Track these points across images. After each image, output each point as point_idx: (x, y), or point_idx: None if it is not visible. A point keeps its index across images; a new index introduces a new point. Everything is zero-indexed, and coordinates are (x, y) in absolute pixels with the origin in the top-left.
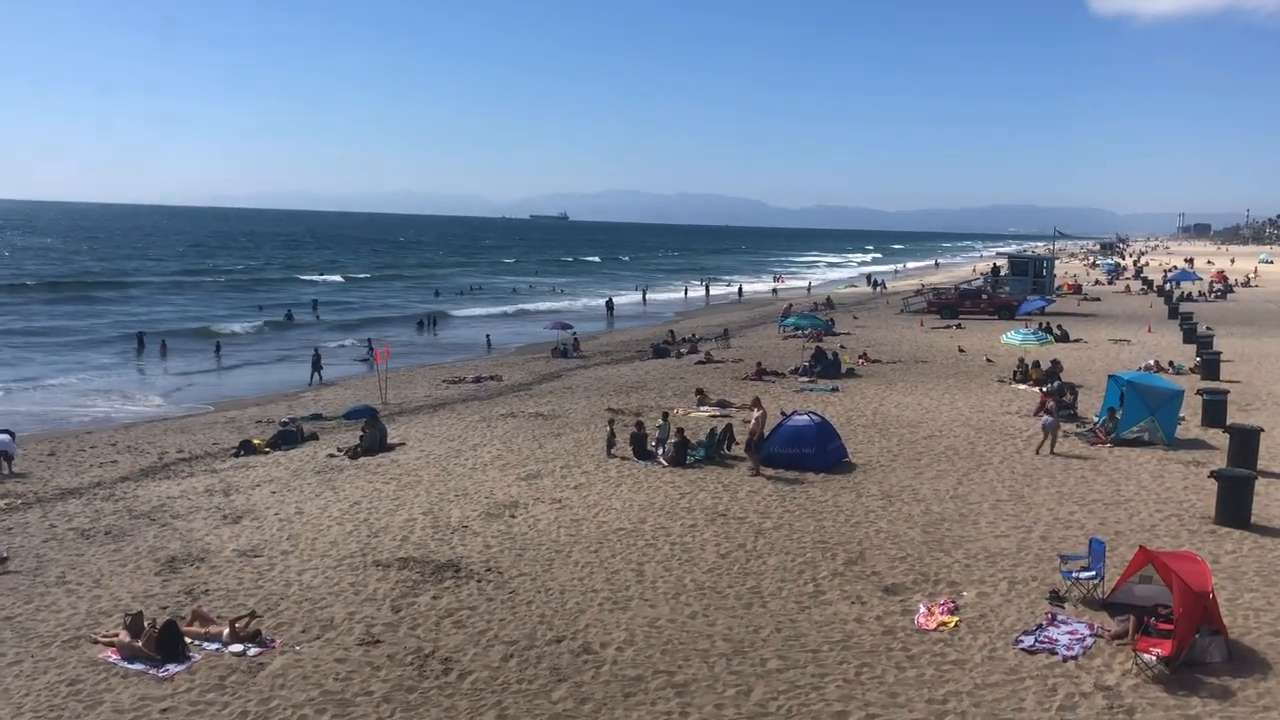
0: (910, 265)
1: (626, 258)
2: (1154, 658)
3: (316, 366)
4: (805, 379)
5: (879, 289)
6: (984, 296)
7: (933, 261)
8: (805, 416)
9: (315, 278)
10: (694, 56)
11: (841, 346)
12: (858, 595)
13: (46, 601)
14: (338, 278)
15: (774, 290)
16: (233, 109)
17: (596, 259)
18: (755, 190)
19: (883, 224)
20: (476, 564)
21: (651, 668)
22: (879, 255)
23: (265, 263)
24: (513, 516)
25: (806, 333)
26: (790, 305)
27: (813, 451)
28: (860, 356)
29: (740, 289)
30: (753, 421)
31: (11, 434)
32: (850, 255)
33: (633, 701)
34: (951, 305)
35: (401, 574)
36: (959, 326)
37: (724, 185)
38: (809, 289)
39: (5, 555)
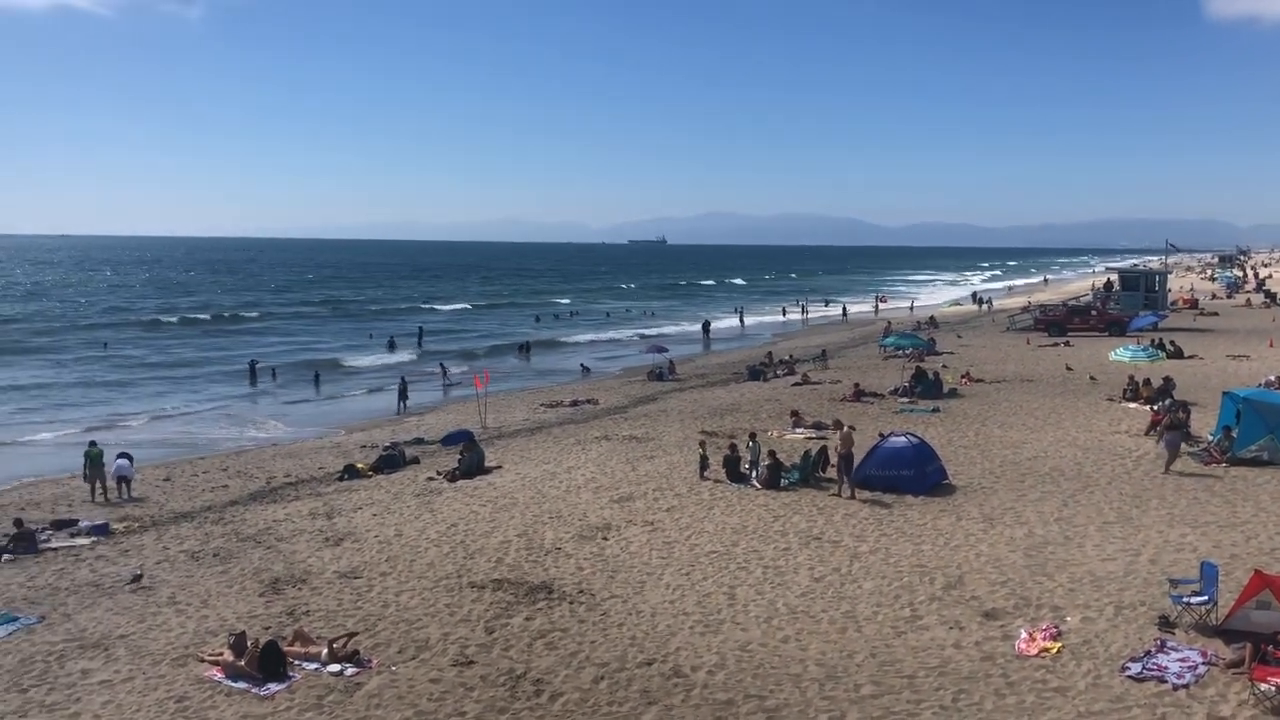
0: (1019, 282)
1: (740, 280)
2: (1273, 688)
3: (403, 395)
4: (905, 400)
5: (985, 306)
6: (1093, 313)
7: (1042, 278)
8: (902, 438)
9: (441, 306)
10: (786, 76)
11: (944, 366)
12: (956, 620)
13: (158, 621)
14: (465, 305)
15: (876, 309)
16: (348, 144)
17: (711, 282)
18: (854, 209)
19: (988, 240)
20: (569, 586)
21: (742, 692)
22: (997, 273)
23: (386, 292)
24: (605, 539)
25: (907, 352)
26: (889, 324)
27: (910, 474)
28: (963, 376)
29: (844, 309)
30: (839, 444)
31: (130, 458)
32: (966, 274)
33: None
34: (1059, 322)
35: (496, 595)
36: (1067, 344)
37: (821, 204)
38: (911, 308)
39: (139, 573)
